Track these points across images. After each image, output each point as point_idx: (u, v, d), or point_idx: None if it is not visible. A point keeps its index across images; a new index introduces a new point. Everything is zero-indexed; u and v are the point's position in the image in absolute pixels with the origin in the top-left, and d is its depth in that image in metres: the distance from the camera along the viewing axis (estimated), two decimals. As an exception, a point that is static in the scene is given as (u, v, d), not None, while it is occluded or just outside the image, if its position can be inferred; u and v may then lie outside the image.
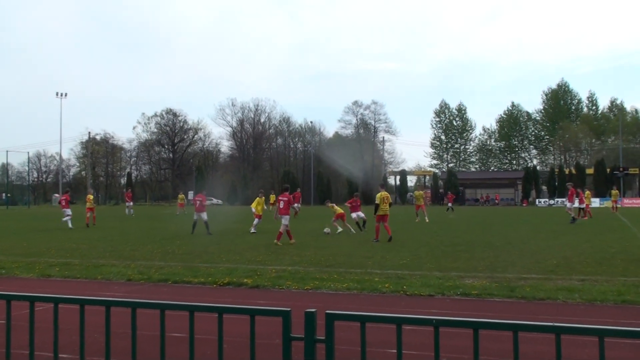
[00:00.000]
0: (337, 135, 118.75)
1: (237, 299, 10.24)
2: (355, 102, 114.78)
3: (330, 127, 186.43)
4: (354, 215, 26.42)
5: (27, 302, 3.64)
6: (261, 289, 11.32)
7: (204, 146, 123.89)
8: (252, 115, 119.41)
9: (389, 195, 21.76)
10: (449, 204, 50.32)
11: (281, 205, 20.94)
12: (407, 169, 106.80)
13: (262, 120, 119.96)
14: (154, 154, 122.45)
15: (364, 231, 25.53)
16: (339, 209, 26.82)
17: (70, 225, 30.31)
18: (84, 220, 33.07)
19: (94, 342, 5.65)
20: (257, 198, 27.54)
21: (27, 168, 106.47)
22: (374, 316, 3.01)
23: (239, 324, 4.70)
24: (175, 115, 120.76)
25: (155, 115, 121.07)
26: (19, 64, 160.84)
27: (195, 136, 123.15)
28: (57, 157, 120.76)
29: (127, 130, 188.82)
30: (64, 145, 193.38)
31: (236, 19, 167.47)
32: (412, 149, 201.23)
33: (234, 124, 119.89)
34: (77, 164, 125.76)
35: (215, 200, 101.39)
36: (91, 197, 34.18)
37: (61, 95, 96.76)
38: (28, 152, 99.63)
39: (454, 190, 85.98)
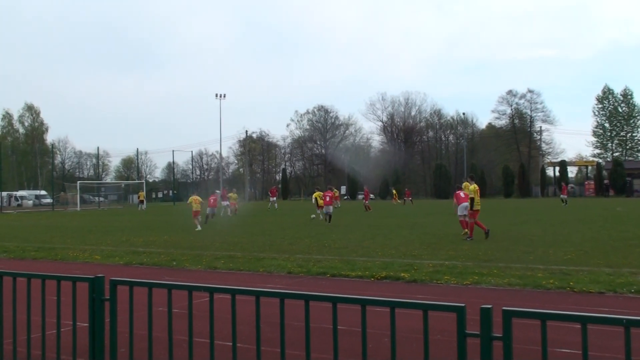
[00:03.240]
0: (490, 126, 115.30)
1: (396, 292, 10.22)
2: (509, 92, 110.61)
3: (483, 118, 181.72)
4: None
5: (207, 292, 3.83)
6: (419, 283, 11.23)
7: (355, 141, 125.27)
8: (403, 109, 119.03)
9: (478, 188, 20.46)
10: (563, 196, 46.77)
11: (327, 199, 30.30)
12: (566, 159, 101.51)
13: (412, 113, 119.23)
14: (306, 150, 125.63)
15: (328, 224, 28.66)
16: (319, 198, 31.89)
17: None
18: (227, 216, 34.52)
19: (266, 332, 5.85)
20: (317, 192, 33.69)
21: (190, 166, 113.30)
22: (556, 314, 2.84)
23: (407, 319, 4.66)
24: (326, 111, 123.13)
25: (308, 112, 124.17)
26: (183, 69, 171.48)
27: (347, 132, 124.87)
28: (217, 156, 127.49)
29: (281, 127, 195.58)
30: (223, 144, 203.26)
31: (385, 15, 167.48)
32: (572, 139, 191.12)
33: (385, 119, 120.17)
34: (236, 162, 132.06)
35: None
36: (235, 195, 41.98)
37: (220, 96, 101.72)
38: (192, 151, 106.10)
39: (620, 181, 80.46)
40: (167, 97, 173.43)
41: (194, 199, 28.56)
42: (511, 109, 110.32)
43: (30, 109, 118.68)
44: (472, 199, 19.55)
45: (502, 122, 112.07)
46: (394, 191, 63.54)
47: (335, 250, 16.99)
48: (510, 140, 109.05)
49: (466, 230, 19.47)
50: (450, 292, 10.18)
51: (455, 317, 3.01)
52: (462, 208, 20.05)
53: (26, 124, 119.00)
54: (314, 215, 32.19)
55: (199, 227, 26.79)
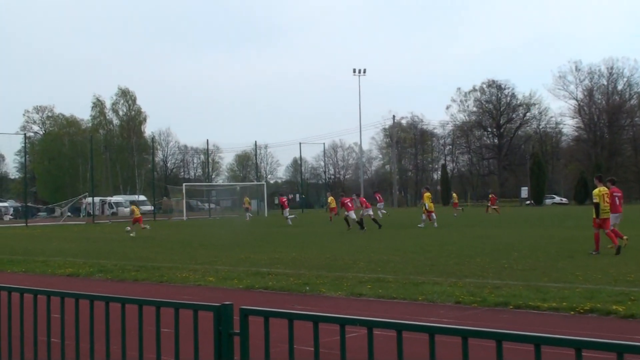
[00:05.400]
0: None
1: (606, 332, 9.84)
2: None
3: None
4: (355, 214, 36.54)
5: (364, 327, 3.85)
6: (638, 319, 10.76)
7: (540, 127, 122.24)
8: (605, 82, 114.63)
9: (608, 191, 21.35)
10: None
11: (349, 204, 37.10)
12: None
13: (619, 87, 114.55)
14: (473, 140, 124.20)
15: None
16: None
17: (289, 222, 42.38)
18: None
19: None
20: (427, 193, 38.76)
21: (322, 163, 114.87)
22: None
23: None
24: (499, 88, 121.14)
25: (474, 89, 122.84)
26: (308, 43, 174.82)
27: (527, 114, 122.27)
28: (356, 149, 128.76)
29: (438, 111, 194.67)
30: (363, 133, 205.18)
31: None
32: None
33: (580, 96, 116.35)
34: (380, 156, 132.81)
35: (557, 199, 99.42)
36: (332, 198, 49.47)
37: (359, 72, 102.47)
38: (323, 144, 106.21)
39: None
40: (290, 78, 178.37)
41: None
42: None
43: (124, 94, 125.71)
44: (596, 205, 21.10)
45: None
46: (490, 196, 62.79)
47: (519, 273, 16.63)
48: None
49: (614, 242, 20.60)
50: (685, 332, 9.67)
51: None
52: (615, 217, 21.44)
53: (121, 112, 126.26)
54: (421, 225, 38.19)
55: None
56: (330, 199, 55.50)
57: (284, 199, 53.16)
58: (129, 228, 39.69)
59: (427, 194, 39.46)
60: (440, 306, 12.58)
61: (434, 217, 38.97)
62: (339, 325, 3.97)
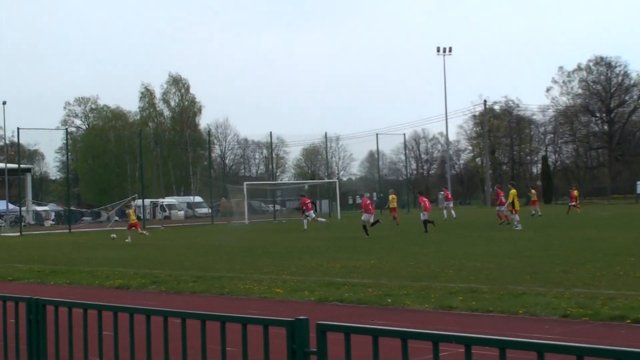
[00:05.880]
0: None
1: None
2: None
3: None
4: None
5: (460, 344, 3.82)
6: None
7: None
8: None
9: None
10: None
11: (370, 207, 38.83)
12: None
13: None
14: (579, 127, 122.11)
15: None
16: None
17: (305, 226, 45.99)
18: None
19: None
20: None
21: (402, 157, 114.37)
22: None
23: None
24: (609, 66, 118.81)
25: (579, 68, 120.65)
26: (384, 19, 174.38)
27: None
28: (442, 139, 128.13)
29: (537, 94, 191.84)
30: (450, 121, 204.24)
31: None
32: None
33: None
34: (470, 148, 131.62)
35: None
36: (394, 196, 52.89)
37: (444, 51, 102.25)
38: (404, 135, 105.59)
39: None
40: (363, 60, 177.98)
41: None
42: None
43: (176, 82, 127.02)
44: None
45: None
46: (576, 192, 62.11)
47: (637, 281, 16.34)
48: None
49: None
50: None
51: None
52: None
53: (172, 103, 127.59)
54: (517, 226, 37.85)
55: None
56: (391, 197, 56.42)
57: (307, 199, 54.39)
58: (114, 235, 42.97)
59: (513, 191, 39.63)
60: (544, 320, 12.46)
61: (516, 217, 39.13)
62: (431, 342, 3.96)
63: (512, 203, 38.70)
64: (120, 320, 5.71)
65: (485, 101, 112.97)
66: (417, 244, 30.69)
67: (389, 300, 15.18)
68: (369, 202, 40.26)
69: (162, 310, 5.44)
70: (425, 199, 41.71)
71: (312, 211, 51.47)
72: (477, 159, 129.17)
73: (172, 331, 5.30)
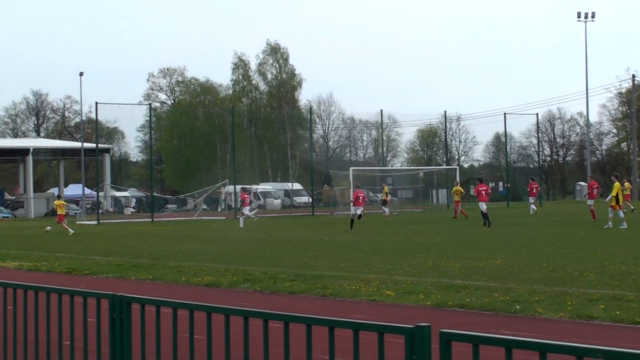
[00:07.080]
0: None
1: None
2: None
3: None
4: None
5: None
6: None
7: None
8: None
9: None
10: None
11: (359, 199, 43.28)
12: None
13: None
14: None
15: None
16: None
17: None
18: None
19: None
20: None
21: (534, 140, 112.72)
22: None
23: None
24: None
25: None
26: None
27: None
28: (581, 121, 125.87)
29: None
30: (591, 100, 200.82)
31: None
32: None
33: None
34: (614, 131, 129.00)
35: None
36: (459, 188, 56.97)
37: (585, 17, 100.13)
38: (536, 115, 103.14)
39: None
40: (487, 25, 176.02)
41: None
42: None
43: (274, 51, 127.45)
44: None
45: None
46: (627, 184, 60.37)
47: None
48: None
49: None
50: None
51: None
52: None
53: (269, 75, 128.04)
54: (624, 225, 36.97)
55: None
56: (455, 188, 59.03)
57: (246, 195, 57.08)
58: (49, 228, 46.39)
59: (616, 184, 38.79)
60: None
61: (621, 214, 38.07)
62: (575, 357, 3.91)
63: (616, 197, 37.25)
64: (214, 323, 5.78)
65: (633, 76, 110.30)
66: (550, 242, 30.32)
67: (518, 307, 15.05)
68: (361, 194, 43.88)
69: (261, 312, 5.49)
70: (483, 188, 43.04)
71: (247, 207, 52.98)
72: (623, 144, 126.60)
73: (272, 335, 5.36)
